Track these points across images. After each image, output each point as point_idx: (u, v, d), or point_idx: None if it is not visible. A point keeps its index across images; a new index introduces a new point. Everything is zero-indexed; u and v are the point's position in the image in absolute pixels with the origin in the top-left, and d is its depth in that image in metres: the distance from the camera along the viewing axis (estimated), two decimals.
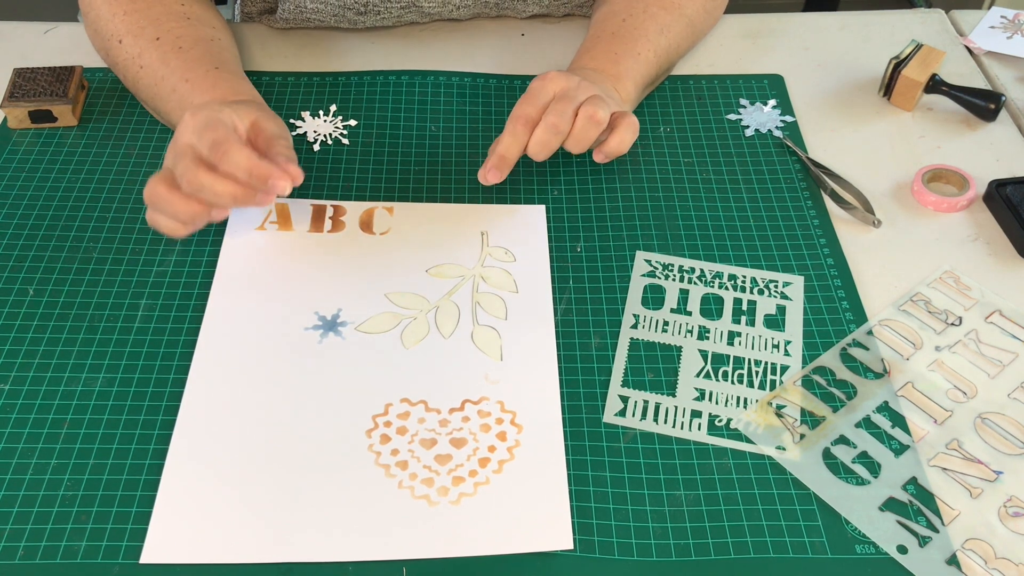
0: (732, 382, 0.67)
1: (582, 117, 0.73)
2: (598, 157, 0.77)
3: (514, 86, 0.90)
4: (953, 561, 0.58)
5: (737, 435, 0.64)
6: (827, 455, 0.63)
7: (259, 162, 0.66)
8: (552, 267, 0.74)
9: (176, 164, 0.67)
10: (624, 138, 0.76)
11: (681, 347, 0.70)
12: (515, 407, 0.65)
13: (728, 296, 0.73)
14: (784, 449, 0.64)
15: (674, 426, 0.65)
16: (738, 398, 0.67)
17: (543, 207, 0.79)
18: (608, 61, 0.82)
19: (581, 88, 0.75)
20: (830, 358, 0.69)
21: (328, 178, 0.81)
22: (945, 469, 0.63)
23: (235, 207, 0.68)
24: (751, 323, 0.71)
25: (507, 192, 0.80)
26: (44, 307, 0.71)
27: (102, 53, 0.85)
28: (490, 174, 0.75)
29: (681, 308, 0.72)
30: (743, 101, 0.89)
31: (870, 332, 0.71)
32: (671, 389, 0.67)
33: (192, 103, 0.76)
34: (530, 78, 0.91)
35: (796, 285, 0.74)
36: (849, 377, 0.68)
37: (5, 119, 0.85)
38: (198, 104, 0.73)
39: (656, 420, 0.65)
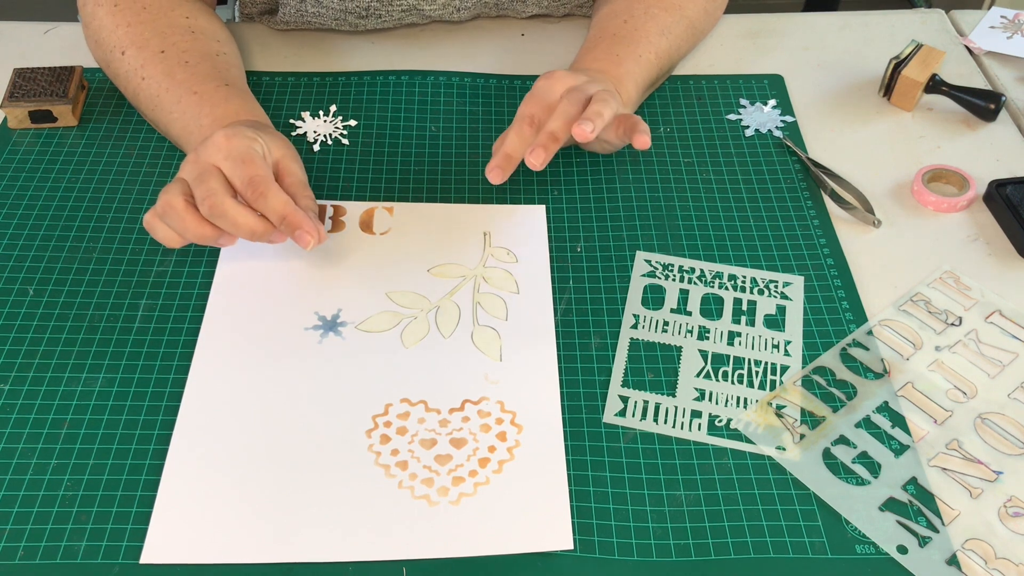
0: (732, 382, 0.67)
1: (594, 103, 0.72)
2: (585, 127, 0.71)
3: (514, 86, 0.90)
4: (953, 561, 0.58)
5: (737, 435, 0.64)
6: (827, 455, 0.63)
7: (295, 210, 0.66)
8: (552, 267, 0.74)
9: (199, 183, 0.66)
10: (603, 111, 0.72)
11: (681, 347, 0.70)
12: (515, 407, 0.65)
13: (728, 296, 0.73)
14: (784, 449, 0.64)
15: (674, 426, 0.65)
16: (738, 398, 0.67)
17: (543, 207, 0.79)
18: (610, 63, 0.82)
19: (590, 84, 0.75)
20: (830, 358, 0.69)
21: (328, 178, 0.81)
22: (945, 469, 0.63)
23: (247, 240, 0.67)
24: (751, 323, 0.71)
25: (507, 192, 0.80)
26: (44, 307, 0.71)
27: (103, 64, 0.84)
28: (493, 173, 0.73)
29: (681, 308, 0.72)
30: (743, 101, 0.89)
31: (870, 332, 0.71)
32: (671, 389, 0.67)
33: (201, 115, 0.76)
34: (530, 78, 0.91)
35: (796, 285, 0.74)
36: (849, 377, 0.68)
37: (5, 119, 0.85)
38: (228, 125, 0.71)
39: (656, 420, 0.65)
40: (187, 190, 0.67)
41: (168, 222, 0.67)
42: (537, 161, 0.71)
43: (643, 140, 0.73)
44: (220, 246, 0.69)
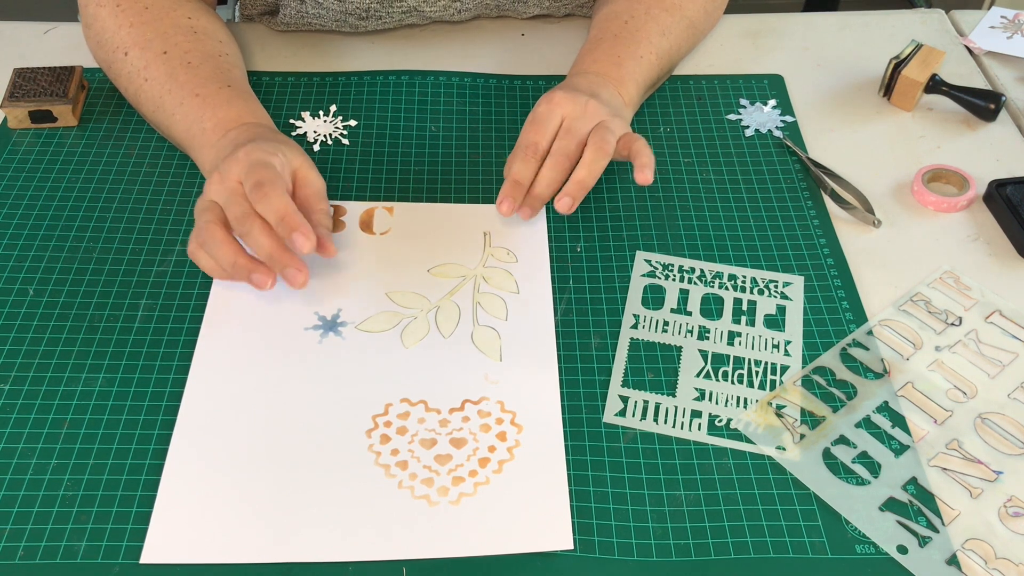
0: (732, 382, 0.67)
1: (590, 149, 0.73)
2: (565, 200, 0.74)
3: (514, 86, 0.90)
4: (953, 561, 0.58)
5: (737, 435, 0.64)
6: (827, 455, 0.63)
7: (293, 213, 0.65)
8: (552, 267, 0.74)
9: (230, 204, 0.67)
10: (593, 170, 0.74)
11: (681, 347, 0.70)
12: (515, 407, 0.65)
13: (728, 296, 0.73)
14: (784, 449, 0.64)
15: (674, 426, 0.65)
16: (738, 398, 0.67)
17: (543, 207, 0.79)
18: (610, 64, 0.82)
19: (588, 114, 0.75)
20: (830, 358, 0.69)
21: (328, 178, 0.81)
22: (945, 469, 0.63)
23: (272, 266, 0.66)
24: (751, 323, 0.71)
25: None
26: (44, 307, 0.71)
27: (104, 65, 0.84)
28: (504, 205, 0.74)
29: (681, 308, 0.72)
30: (743, 101, 0.89)
31: (870, 332, 0.71)
32: (671, 389, 0.67)
33: (204, 117, 0.76)
34: (530, 78, 0.91)
35: (796, 285, 0.74)
36: (849, 377, 0.68)
37: (5, 119, 0.85)
38: (247, 140, 0.71)
39: (656, 420, 0.65)
40: (222, 215, 0.67)
41: (209, 250, 0.67)
42: (506, 210, 0.74)
43: (645, 176, 0.73)
44: (253, 284, 0.66)
